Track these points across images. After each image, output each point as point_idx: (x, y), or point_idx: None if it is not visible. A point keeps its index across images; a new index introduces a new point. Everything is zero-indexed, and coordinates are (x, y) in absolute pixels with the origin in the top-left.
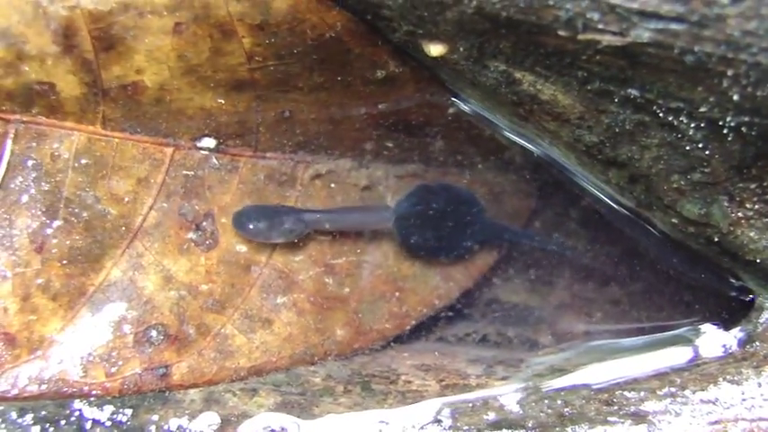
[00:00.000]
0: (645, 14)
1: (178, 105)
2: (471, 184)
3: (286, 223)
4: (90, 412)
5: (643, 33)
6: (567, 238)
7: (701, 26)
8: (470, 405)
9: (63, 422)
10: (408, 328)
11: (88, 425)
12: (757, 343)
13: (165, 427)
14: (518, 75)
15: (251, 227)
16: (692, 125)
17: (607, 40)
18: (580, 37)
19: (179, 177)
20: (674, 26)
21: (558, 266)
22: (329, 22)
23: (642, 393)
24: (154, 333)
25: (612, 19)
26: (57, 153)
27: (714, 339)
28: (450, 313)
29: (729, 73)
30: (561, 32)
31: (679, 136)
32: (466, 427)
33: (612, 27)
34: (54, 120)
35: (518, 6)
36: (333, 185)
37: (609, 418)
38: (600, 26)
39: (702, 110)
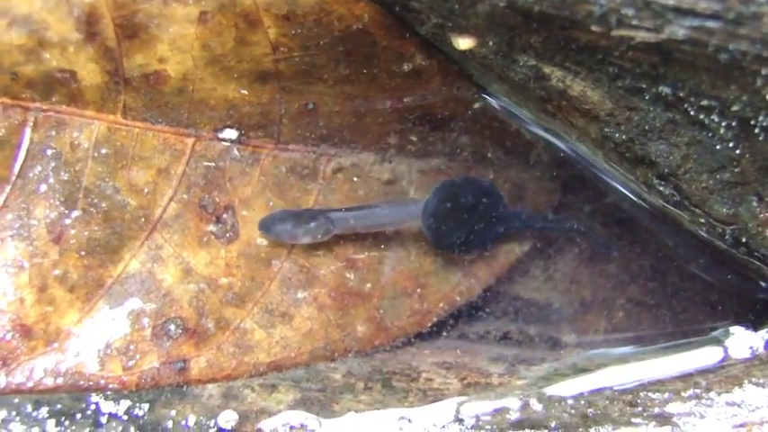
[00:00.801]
0: (681, 11)
1: (201, 95)
2: (495, 179)
3: (312, 222)
4: (106, 406)
5: (678, 30)
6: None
7: (736, 24)
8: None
9: (79, 416)
10: (429, 324)
11: (104, 419)
12: None
13: (183, 422)
14: (547, 70)
15: (278, 228)
16: (723, 124)
17: (641, 36)
18: (614, 33)
19: (200, 168)
20: (709, 24)
21: (582, 264)
22: (356, 13)
23: (667, 395)
24: (172, 326)
25: (647, 15)
26: (76, 142)
27: (740, 341)
28: (472, 310)
29: (764, 72)
30: (594, 28)
31: (709, 135)
32: (488, 427)
33: (647, 23)
34: (74, 108)
35: (551, 1)
36: (355, 179)
37: (633, 420)
38: (634, 22)
39: (734, 109)
